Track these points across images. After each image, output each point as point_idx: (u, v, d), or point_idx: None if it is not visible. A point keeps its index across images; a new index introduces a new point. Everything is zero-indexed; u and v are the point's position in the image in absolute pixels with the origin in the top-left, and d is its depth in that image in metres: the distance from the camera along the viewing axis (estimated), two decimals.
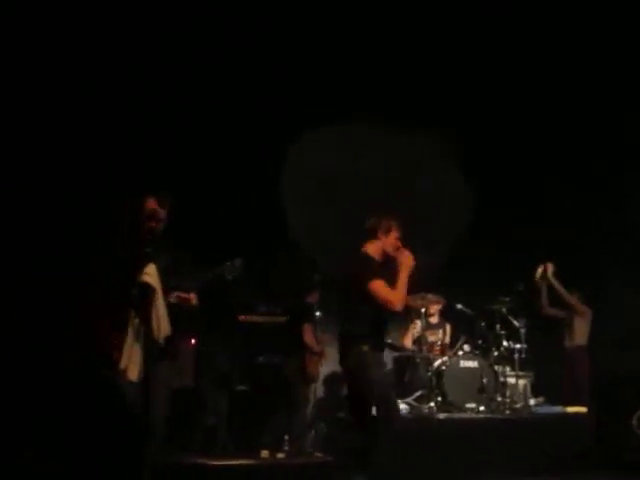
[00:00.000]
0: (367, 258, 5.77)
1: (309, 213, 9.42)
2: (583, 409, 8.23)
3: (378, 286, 5.53)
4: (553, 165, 9.73)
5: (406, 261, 5.63)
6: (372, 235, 5.84)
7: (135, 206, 5.02)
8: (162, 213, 5.09)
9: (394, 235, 5.80)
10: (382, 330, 5.81)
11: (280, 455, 5.62)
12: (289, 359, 7.89)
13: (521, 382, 8.59)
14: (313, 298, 8.06)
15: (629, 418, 7.93)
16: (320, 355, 7.97)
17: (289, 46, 8.30)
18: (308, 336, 7.83)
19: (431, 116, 8.98)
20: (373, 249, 5.82)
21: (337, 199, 9.38)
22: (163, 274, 4.89)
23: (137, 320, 4.61)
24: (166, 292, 4.89)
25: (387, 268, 5.79)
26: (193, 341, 8.13)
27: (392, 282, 5.59)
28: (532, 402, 8.49)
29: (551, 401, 8.65)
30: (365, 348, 5.56)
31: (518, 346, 8.60)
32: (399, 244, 5.79)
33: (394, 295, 5.54)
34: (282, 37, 8.22)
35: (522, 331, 8.67)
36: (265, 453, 5.61)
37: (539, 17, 8.38)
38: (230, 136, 8.61)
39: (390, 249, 5.78)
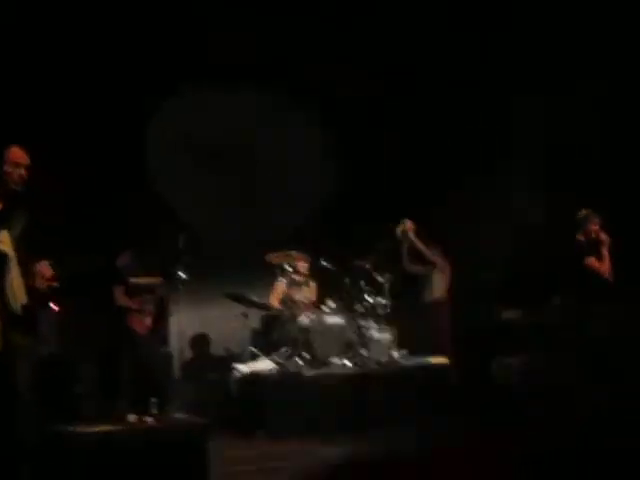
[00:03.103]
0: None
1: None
2: (445, 360, 8.53)
3: None
4: None
5: None
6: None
7: None
8: (27, 161, 4.79)
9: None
10: None
11: (148, 419, 5.57)
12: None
13: (385, 336, 8.78)
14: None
15: (489, 364, 8.33)
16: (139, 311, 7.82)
17: None
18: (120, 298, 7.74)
19: None
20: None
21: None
22: (20, 239, 4.71)
23: None
24: (24, 259, 4.71)
25: None
26: (56, 308, 7.88)
27: None
28: (396, 355, 8.71)
29: (414, 353, 8.89)
30: None
31: (382, 301, 8.80)
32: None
33: None
34: None
35: (386, 286, 8.88)
36: (133, 417, 5.55)
37: None
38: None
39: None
